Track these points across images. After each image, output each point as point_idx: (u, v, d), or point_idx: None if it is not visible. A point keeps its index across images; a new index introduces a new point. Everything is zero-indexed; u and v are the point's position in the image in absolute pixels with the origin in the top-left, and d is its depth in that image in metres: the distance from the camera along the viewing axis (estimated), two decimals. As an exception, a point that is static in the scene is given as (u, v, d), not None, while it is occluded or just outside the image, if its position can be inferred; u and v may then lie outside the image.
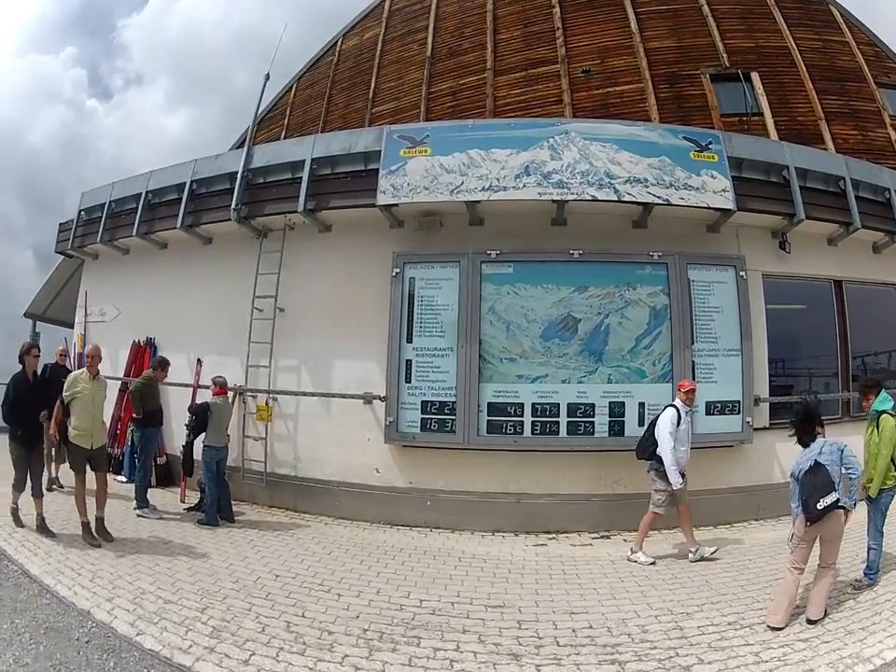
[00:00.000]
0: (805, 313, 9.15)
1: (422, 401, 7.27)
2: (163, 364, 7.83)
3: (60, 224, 11.34)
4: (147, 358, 9.36)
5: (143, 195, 9.51)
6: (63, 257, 11.54)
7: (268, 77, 9.43)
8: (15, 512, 6.70)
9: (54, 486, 8.27)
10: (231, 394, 8.25)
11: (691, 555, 6.27)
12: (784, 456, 7.92)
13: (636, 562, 6.23)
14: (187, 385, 8.72)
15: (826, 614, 4.75)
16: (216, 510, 7.43)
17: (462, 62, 13.14)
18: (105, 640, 4.33)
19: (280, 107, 15.09)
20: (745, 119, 11.66)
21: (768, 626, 4.62)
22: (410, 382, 7.31)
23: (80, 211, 10.68)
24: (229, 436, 8.11)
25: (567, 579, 6.00)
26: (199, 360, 8.78)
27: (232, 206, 8.30)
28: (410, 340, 7.36)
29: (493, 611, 5.10)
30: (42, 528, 6.46)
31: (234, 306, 8.43)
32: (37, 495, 6.53)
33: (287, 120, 14.91)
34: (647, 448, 6.42)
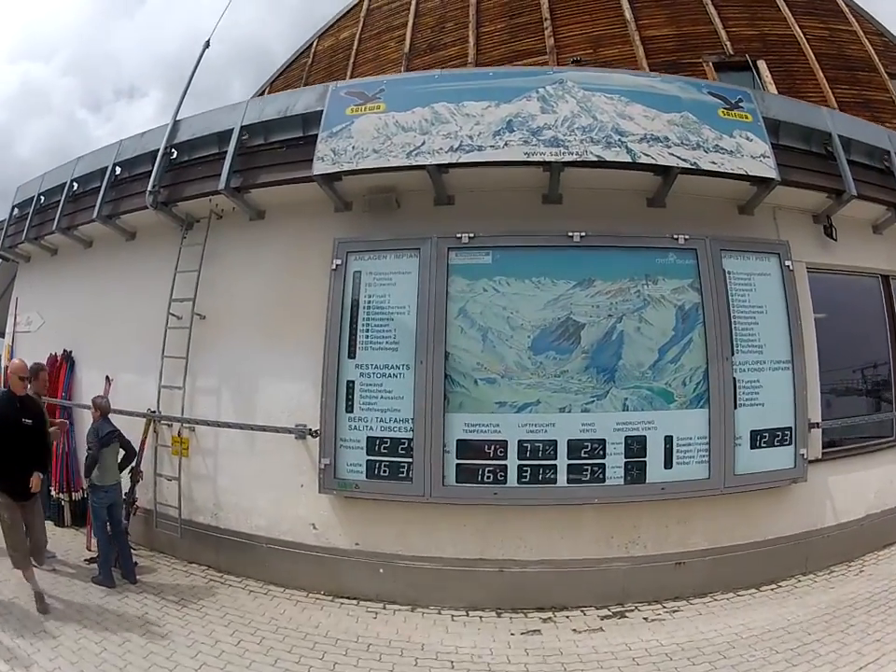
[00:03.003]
0: (849, 314, 6.47)
1: (368, 437, 4.59)
2: (36, 372, 5.29)
3: (-4, 222, 8.76)
4: (62, 375, 6.78)
5: (67, 185, 6.98)
6: (1, 260, 8.94)
7: (207, 44, 6.85)
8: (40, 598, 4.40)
9: None
10: (144, 421, 5.69)
11: None
12: (838, 493, 5.45)
13: None
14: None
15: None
16: (110, 567, 4.94)
17: (442, 56, 10.56)
18: None
19: (252, 112, 12.52)
20: (754, 106, 9.09)
21: None
22: (352, 411, 4.63)
23: (13, 207, 8.09)
24: (141, 472, 5.60)
25: (573, 702, 3.43)
26: (108, 378, 6.14)
27: (148, 189, 5.74)
28: (352, 354, 4.68)
29: None
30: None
31: (154, 313, 5.80)
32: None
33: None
34: None
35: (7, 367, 7.20)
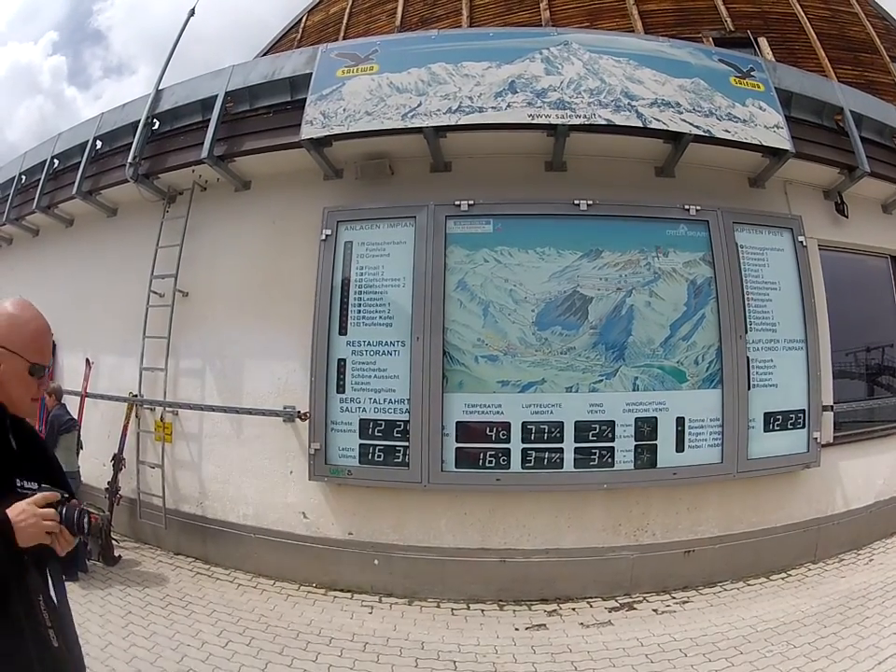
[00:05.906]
0: (857, 295, 6.13)
1: (360, 420, 4.18)
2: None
3: (-24, 206, 8.24)
4: (43, 360, 6.34)
5: (47, 162, 6.51)
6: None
7: (192, 11, 6.35)
8: None
9: None
10: (126, 405, 5.27)
11: None
12: (848, 479, 5.11)
13: None
14: (75, 394, 5.68)
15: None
16: (76, 560, 4.42)
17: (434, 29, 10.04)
18: None
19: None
20: (755, 84, 8.67)
21: None
22: (343, 392, 4.21)
23: (-5, 188, 7.64)
24: (124, 459, 5.18)
25: (587, 708, 3.06)
26: (88, 361, 5.71)
27: (129, 160, 5.28)
28: (343, 331, 4.25)
29: None
30: None
31: (135, 291, 5.37)
32: None
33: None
34: None
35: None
